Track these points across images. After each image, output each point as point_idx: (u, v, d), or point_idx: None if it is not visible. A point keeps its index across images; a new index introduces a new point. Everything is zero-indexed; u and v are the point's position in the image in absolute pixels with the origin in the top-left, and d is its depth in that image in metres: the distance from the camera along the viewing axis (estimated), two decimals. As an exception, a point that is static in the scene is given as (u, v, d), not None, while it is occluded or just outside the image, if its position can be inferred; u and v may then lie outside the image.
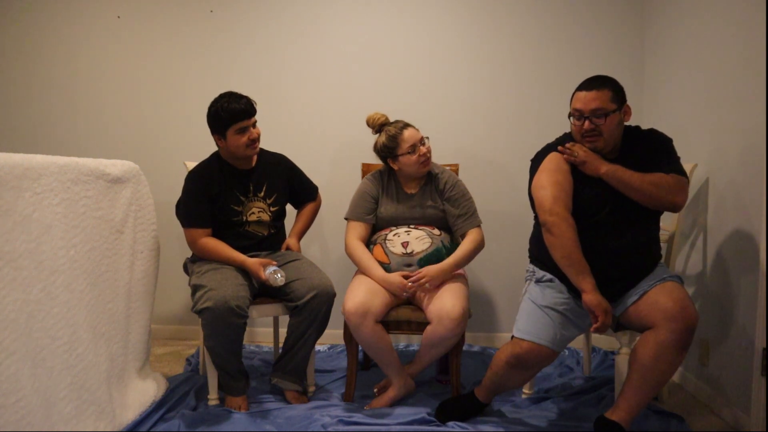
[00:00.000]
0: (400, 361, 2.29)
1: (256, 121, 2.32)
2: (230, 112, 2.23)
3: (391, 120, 2.44)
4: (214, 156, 2.41)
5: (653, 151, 1.97)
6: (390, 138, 2.35)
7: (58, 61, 3.21)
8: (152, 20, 3.16)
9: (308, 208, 2.61)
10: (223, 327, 2.09)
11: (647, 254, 1.98)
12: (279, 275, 2.19)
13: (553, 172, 1.98)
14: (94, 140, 3.20)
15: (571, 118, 2.00)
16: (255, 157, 2.41)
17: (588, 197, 1.95)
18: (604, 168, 1.92)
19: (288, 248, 2.48)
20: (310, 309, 2.21)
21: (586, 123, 1.94)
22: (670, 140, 2.01)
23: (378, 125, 2.42)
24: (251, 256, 2.29)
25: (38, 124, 3.23)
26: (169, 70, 3.17)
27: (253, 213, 2.37)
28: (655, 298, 1.86)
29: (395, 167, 2.40)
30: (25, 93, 3.23)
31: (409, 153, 2.33)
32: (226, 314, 2.07)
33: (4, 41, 3.22)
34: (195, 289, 2.18)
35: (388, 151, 2.37)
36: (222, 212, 2.33)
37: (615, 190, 1.93)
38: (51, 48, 3.20)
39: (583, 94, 1.95)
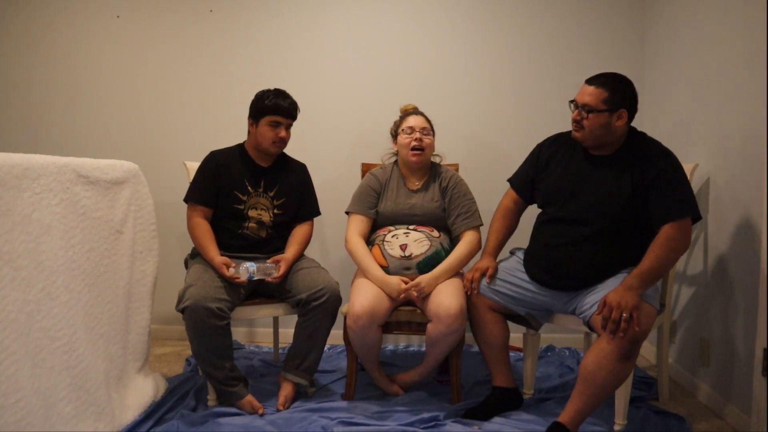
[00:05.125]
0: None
1: (290, 125, 2.36)
2: (275, 104, 2.29)
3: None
4: (239, 146, 2.44)
5: (660, 178, 1.93)
6: (401, 116, 2.50)
7: (58, 61, 3.20)
8: (152, 20, 3.16)
9: (302, 232, 2.44)
10: (203, 328, 2.07)
11: (608, 260, 1.98)
12: (244, 268, 2.15)
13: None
14: (93, 140, 3.19)
15: (571, 105, 2.08)
16: (275, 157, 2.42)
17: (557, 186, 2.09)
18: (636, 287, 1.83)
19: (278, 261, 2.30)
20: (323, 309, 2.21)
21: (575, 112, 2.03)
22: (679, 171, 1.96)
23: (403, 110, 2.54)
24: (247, 258, 2.28)
25: (38, 124, 3.22)
26: (168, 70, 3.17)
27: (255, 208, 2.36)
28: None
29: (395, 148, 2.50)
30: (25, 93, 3.22)
31: (405, 133, 2.40)
32: (204, 315, 2.05)
33: (3, 41, 3.21)
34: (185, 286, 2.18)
35: (395, 127, 2.49)
36: (226, 197, 2.33)
37: (588, 189, 2.01)
38: (50, 48, 3.20)
39: (584, 86, 2.03)
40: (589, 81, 2.02)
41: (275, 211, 2.40)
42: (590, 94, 1.98)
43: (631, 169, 1.97)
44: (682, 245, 1.92)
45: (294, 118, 2.37)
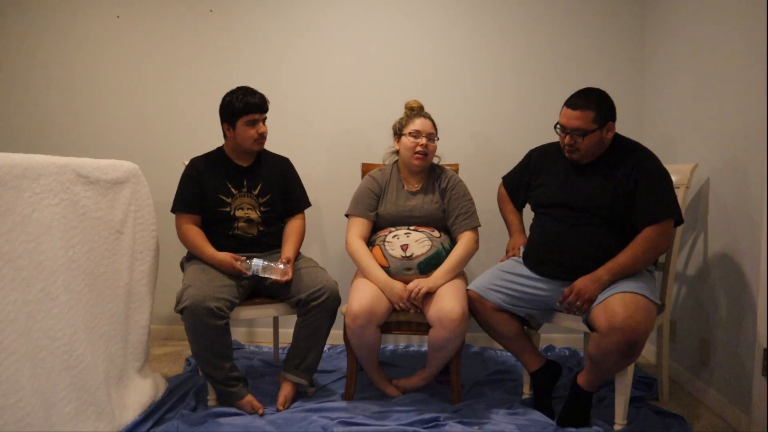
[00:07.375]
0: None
1: (266, 119, 2.36)
2: (245, 103, 2.28)
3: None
4: (218, 149, 2.44)
5: (639, 181, 2.03)
6: (406, 114, 2.45)
7: (58, 61, 3.20)
8: (152, 20, 3.16)
9: (295, 227, 2.46)
10: (202, 329, 2.07)
11: (603, 247, 2.04)
12: (256, 263, 2.18)
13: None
14: (93, 140, 3.20)
15: (557, 128, 2.12)
16: (254, 156, 2.42)
17: (550, 194, 2.17)
18: (605, 281, 1.97)
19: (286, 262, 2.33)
20: (323, 309, 2.21)
21: (567, 138, 2.08)
22: (662, 175, 2.04)
23: (408, 107, 2.50)
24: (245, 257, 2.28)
25: (38, 124, 3.22)
26: (168, 70, 3.17)
27: (241, 208, 2.36)
28: (608, 303, 1.90)
29: (397, 147, 2.46)
30: (25, 93, 3.22)
31: (410, 136, 2.36)
32: (203, 314, 2.05)
33: (3, 41, 3.21)
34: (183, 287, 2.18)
35: (399, 126, 2.44)
36: (211, 202, 2.34)
37: (578, 193, 2.09)
38: (51, 48, 3.20)
39: (569, 111, 2.07)
40: (572, 105, 2.06)
41: (262, 208, 2.40)
42: (578, 118, 2.03)
43: (616, 170, 2.07)
44: (661, 247, 2.01)
45: (267, 110, 2.37)
